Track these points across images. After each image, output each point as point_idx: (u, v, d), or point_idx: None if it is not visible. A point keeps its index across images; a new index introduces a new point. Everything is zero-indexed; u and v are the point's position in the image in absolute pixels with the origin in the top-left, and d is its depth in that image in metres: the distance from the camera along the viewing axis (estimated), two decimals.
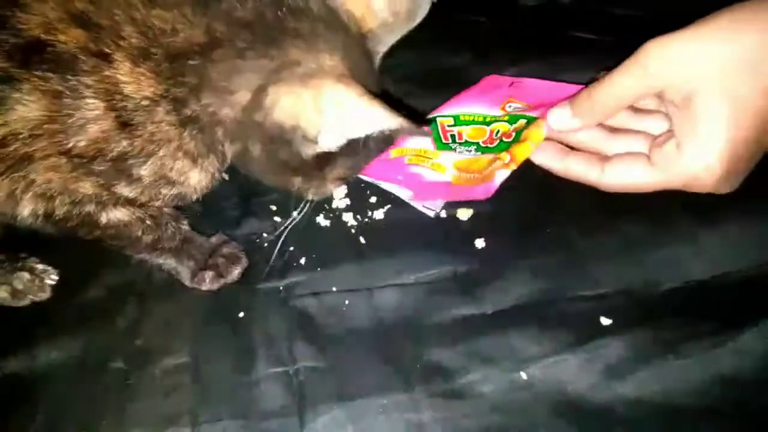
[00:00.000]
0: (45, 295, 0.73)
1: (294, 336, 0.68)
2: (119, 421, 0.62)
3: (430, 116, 0.83)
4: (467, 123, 0.83)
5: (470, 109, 0.84)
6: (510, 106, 0.84)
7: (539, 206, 0.77)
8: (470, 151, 0.79)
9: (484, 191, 0.74)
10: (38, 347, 0.68)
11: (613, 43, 0.98)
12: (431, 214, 0.76)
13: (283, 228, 0.75)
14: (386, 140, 0.67)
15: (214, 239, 0.75)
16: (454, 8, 1.03)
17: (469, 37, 1.00)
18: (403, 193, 0.77)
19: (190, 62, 0.52)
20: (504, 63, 0.95)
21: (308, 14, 0.54)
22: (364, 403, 0.62)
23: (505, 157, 0.77)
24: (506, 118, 0.83)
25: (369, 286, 0.72)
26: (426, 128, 0.55)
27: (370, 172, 0.78)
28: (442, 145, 0.80)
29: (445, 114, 0.84)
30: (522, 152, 0.78)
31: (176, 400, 0.63)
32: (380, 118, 0.51)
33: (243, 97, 0.53)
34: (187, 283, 0.72)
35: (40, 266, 0.73)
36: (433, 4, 0.65)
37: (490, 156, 0.78)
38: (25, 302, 0.72)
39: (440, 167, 0.78)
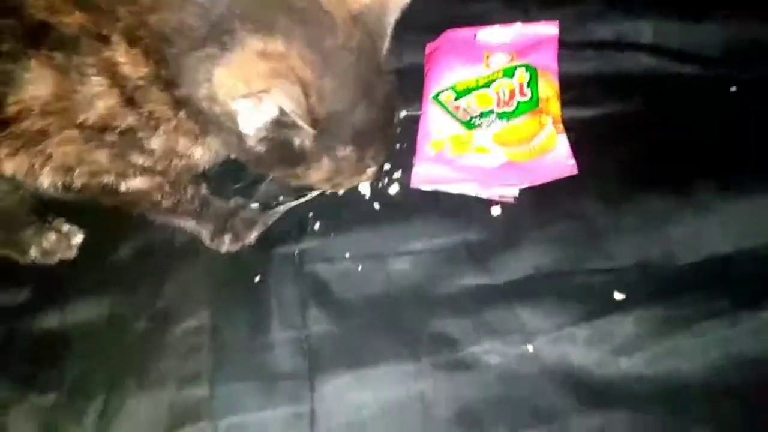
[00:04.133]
0: (72, 254, 0.76)
1: (307, 301, 0.70)
2: (142, 379, 0.66)
3: (432, 95, 0.81)
4: (467, 92, 0.80)
5: (456, 73, 0.82)
6: (492, 61, 0.82)
7: None
8: (494, 121, 0.77)
9: (561, 167, 0.72)
10: (68, 305, 0.72)
11: None
12: (511, 200, 0.74)
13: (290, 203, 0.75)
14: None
15: (232, 203, 0.76)
16: None
17: None
18: (472, 188, 0.74)
19: (170, 50, 0.52)
20: (533, 9, 0.90)
21: (272, 3, 0.51)
22: (372, 371, 0.64)
23: (546, 119, 0.75)
24: (500, 73, 0.81)
25: (382, 252, 0.73)
26: (310, 129, 0.51)
27: (427, 179, 0.76)
28: (466, 123, 0.78)
29: (442, 89, 0.81)
30: (555, 108, 0.77)
31: (195, 360, 0.67)
32: (278, 97, 0.48)
33: (205, 86, 0.52)
34: (207, 243, 0.75)
35: (66, 227, 0.77)
36: None
37: (521, 120, 0.77)
38: (54, 260, 0.76)
39: (484, 149, 0.76)
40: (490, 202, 0.74)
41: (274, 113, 0.51)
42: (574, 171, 0.72)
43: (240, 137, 0.55)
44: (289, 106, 0.48)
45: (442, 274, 0.71)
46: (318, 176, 0.62)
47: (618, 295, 0.66)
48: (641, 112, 0.80)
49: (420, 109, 0.82)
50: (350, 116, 0.55)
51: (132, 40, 0.52)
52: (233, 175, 0.79)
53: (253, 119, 0.51)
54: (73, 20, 0.51)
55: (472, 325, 0.66)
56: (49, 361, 0.68)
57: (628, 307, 0.65)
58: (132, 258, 0.75)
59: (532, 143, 0.76)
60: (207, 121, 0.57)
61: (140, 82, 0.53)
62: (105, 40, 0.51)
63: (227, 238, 0.74)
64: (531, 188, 0.74)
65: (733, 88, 0.81)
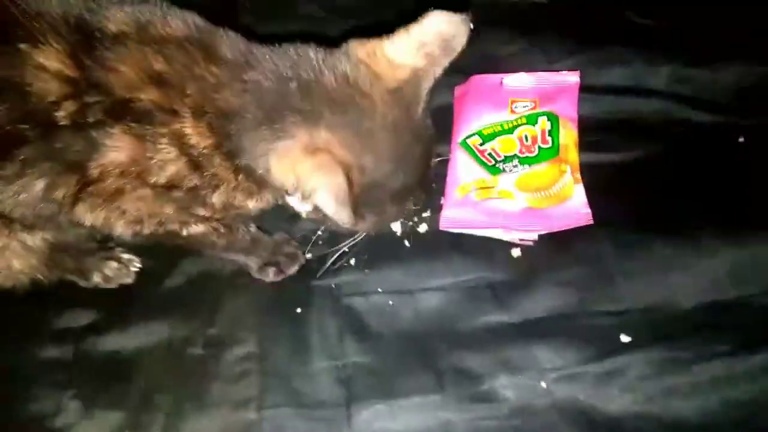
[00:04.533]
0: (130, 280, 0.85)
1: (344, 333, 0.78)
2: (199, 404, 0.74)
3: (460, 140, 0.87)
4: (492, 136, 0.87)
5: (483, 119, 0.88)
6: (517, 106, 0.88)
7: None
8: (516, 166, 0.84)
9: (578, 216, 0.79)
10: (129, 329, 0.80)
11: (671, 32, 0.96)
12: (531, 243, 0.81)
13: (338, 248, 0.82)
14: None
15: (276, 237, 0.84)
16: None
17: (525, 23, 0.99)
18: (495, 233, 0.81)
19: (231, 125, 0.58)
20: (555, 52, 0.96)
21: (316, 90, 0.58)
22: (403, 402, 0.72)
23: (566, 168, 0.81)
24: (524, 120, 0.87)
25: (411, 288, 0.80)
26: (356, 222, 0.59)
27: (455, 223, 0.83)
28: (491, 168, 0.85)
29: (469, 134, 0.87)
30: (573, 157, 0.83)
31: (245, 386, 0.75)
32: (322, 198, 0.56)
33: (265, 162, 0.60)
34: (254, 274, 0.83)
35: (125, 256, 0.85)
36: None
37: (542, 167, 0.83)
38: (114, 285, 0.84)
39: (507, 194, 0.83)
40: (511, 244, 0.81)
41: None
42: (590, 221, 0.79)
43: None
44: (331, 208, 0.56)
45: (465, 311, 0.78)
46: (362, 227, 0.69)
47: (624, 338, 0.74)
48: (653, 158, 0.87)
49: (448, 151, 0.88)
50: (390, 182, 0.62)
51: (198, 115, 0.58)
52: (277, 210, 0.86)
53: (302, 208, 0.60)
54: (148, 96, 0.57)
55: (491, 361, 0.74)
56: (115, 381, 0.77)
57: (634, 349, 0.73)
58: (185, 285, 0.83)
59: (551, 190, 0.82)
60: (264, 182, 0.64)
61: (205, 151, 0.60)
62: (175, 113, 0.58)
63: (271, 271, 0.82)
64: (549, 232, 0.81)
65: (741, 139, 0.87)
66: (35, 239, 0.72)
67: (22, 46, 0.54)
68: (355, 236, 0.77)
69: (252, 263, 0.82)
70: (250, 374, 0.76)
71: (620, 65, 0.95)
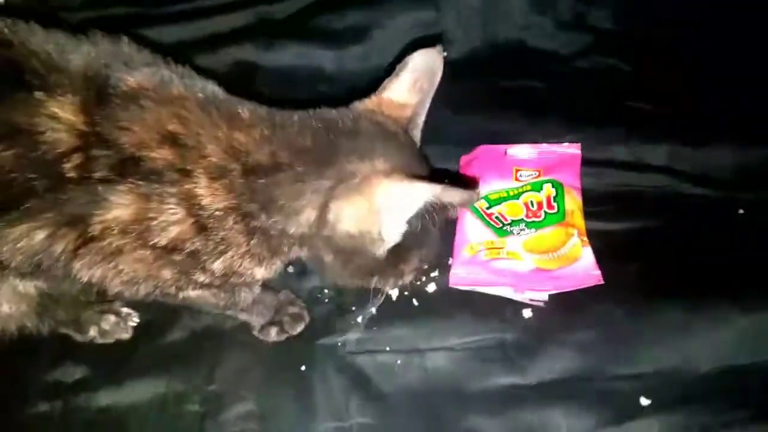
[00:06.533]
0: (127, 336, 0.81)
1: (350, 392, 0.74)
2: None
3: None
4: (499, 201, 0.89)
5: (491, 186, 0.91)
6: (522, 175, 0.91)
7: None
8: (523, 229, 0.85)
9: (587, 277, 0.79)
10: (124, 385, 0.76)
11: (668, 116, 1.01)
12: (541, 304, 0.80)
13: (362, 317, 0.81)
14: (442, 211, 0.68)
15: (281, 296, 0.82)
16: (506, 75, 1.08)
17: (527, 106, 1.04)
18: (506, 292, 0.81)
19: (258, 181, 0.59)
20: (557, 130, 0.99)
21: (359, 132, 0.62)
22: None
23: (573, 231, 0.83)
24: (528, 187, 0.89)
25: (420, 348, 0.78)
26: (470, 191, 0.60)
27: (465, 281, 0.83)
28: (499, 230, 0.86)
29: None
30: (579, 221, 0.84)
31: None
32: (424, 189, 0.57)
33: (309, 215, 0.60)
34: (255, 333, 0.80)
35: (124, 310, 0.82)
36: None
37: (548, 230, 0.84)
38: (111, 340, 0.81)
39: (515, 255, 0.83)
40: (521, 304, 0.80)
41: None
42: (600, 281, 0.79)
43: (348, 258, 0.64)
44: (450, 195, 0.58)
45: (476, 372, 0.75)
46: (415, 264, 0.70)
47: (644, 401, 0.71)
48: (656, 229, 0.87)
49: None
50: None
51: (216, 176, 0.58)
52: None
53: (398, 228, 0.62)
54: (160, 155, 0.57)
55: (503, 426, 0.71)
56: None
57: (654, 412, 0.70)
58: (186, 339, 0.80)
59: (559, 252, 0.82)
60: (279, 247, 0.63)
61: (218, 213, 0.58)
62: (188, 173, 0.57)
63: (273, 331, 0.79)
64: (560, 294, 0.80)
65: (741, 211, 0.89)
66: (27, 286, 0.69)
67: (38, 94, 0.54)
68: (380, 295, 0.76)
69: (254, 322, 0.79)
70: None
71: (620, 143, 0.98)
